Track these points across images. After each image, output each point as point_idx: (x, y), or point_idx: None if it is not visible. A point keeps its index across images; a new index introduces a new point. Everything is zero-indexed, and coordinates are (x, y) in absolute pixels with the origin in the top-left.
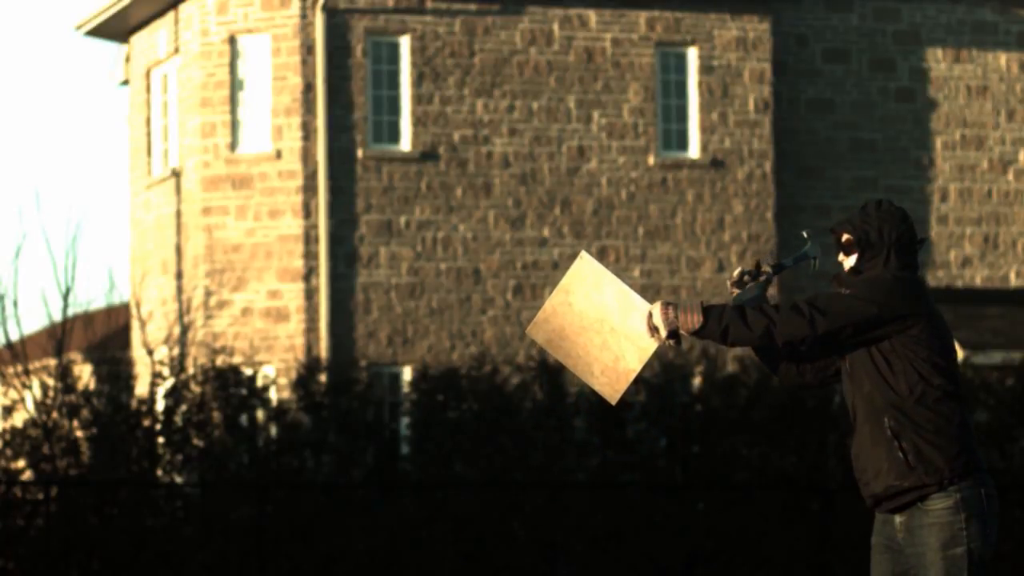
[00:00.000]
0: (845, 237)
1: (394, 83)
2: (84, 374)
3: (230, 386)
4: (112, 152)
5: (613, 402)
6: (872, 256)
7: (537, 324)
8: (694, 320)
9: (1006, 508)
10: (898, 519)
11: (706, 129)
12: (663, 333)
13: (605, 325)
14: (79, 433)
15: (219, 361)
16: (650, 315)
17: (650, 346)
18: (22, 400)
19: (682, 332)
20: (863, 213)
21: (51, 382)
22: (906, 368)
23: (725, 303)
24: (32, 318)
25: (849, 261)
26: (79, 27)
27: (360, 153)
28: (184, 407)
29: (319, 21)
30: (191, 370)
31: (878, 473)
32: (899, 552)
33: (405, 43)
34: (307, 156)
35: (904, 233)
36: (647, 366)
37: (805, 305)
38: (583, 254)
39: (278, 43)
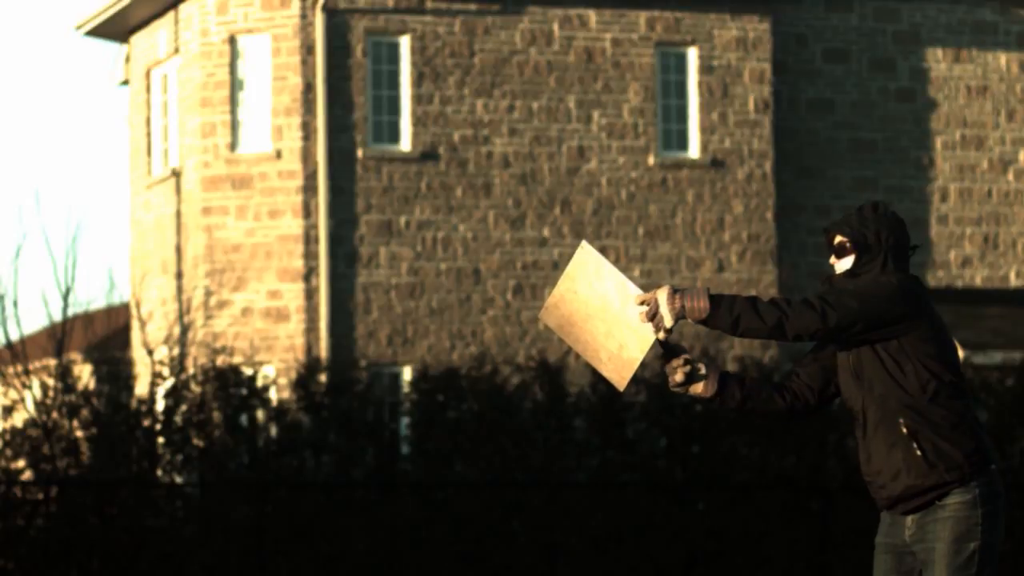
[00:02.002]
0: (840, 240)
1: (394, 83)
2: (84, 374)
3: (230, 386)
4: (112, 152)
5: (621, 388)
6: (870, 260)
7: (548, 309)
8: (701, 308)
9: (1007, 508)
10: (909, 517)
11: (706, 129)
12: (668, 323)
13: (608, 313)
14: (79, 433)
15: (219, 361)
16: (655, 302)
17: (651, 335)
18: (22, 400)
19: (689, 320)
20: (860, 216)
21: (51, 382)
22: (916, 367)
23: (735, 293)
24: (32, 318)
25: (843, 264)
26: (79, 27)
27: (360, 153)
28: (184, 407)
29: (319, 21)
30: (191, 370)
31: (896, 474)
32: (905, 551)
33: (405, 43)
34: (307, 156)
35: (900, 238)
36: (649, 364)
37: (817, 300)
38: (584, 244)
39: (278, 43)
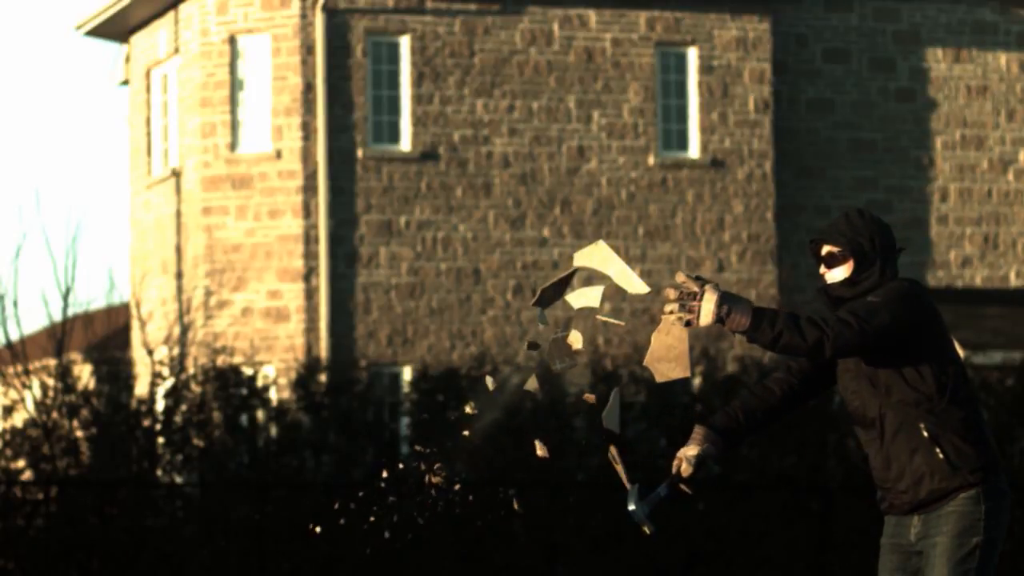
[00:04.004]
0: (831, 249)
1: (394, 83)
2: (84, 374)
3: (230, 386)
4: (112, 152)
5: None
6: (868, 266)
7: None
8: (743, 323)
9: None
10: (916, 517)
11: (706, 129)
12: (704, 321)
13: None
14: (79, 433)
15: (219, 361)
16: (700, 295)
17: (683, 345)
18: (22, 400)
19: (726, 330)
20: (849, 223)
21: (51, 382)
22: (934, 371)
23: (777, 308)
24: (32, 318)
25: (836, 274)
26: (79, 27)
27: (360, 153)
28: (184, 407)
29: (319, 21)
30: (191, 370)
31: (920, 479)
32: (911, 551)
33: (405, 43)
34: (307, 156)
35: (890, 241)
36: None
37: (850, 317)
38: (600, 242)
39: (278, 43)
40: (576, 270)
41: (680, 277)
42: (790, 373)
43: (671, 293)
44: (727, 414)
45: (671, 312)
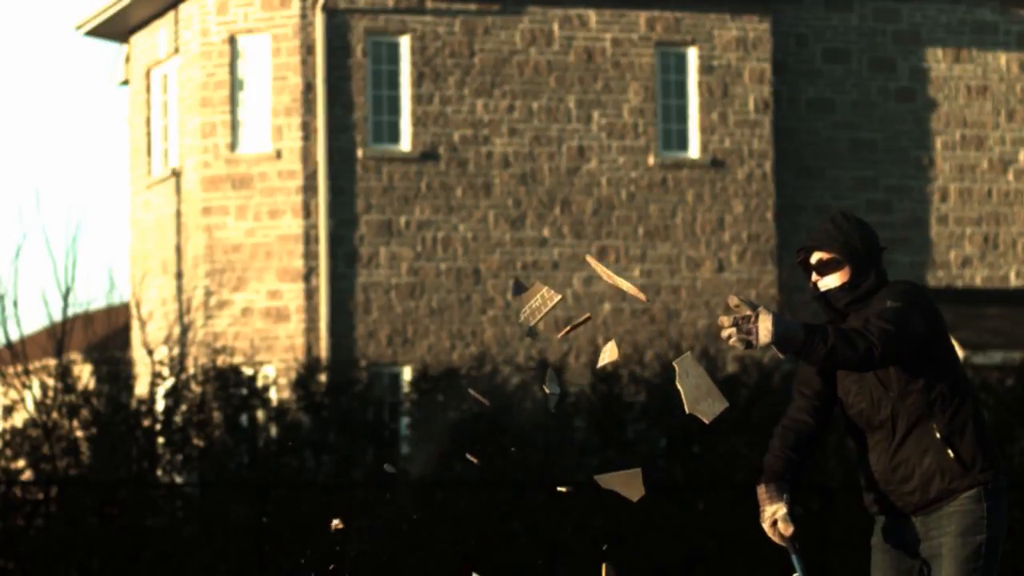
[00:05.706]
0: (823, 256)
1: (394, 83)
2: (84, 374)
3: (230, 386)
4: (112, 152)
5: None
6: (865, 268)
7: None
8: (797, 343)
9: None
10: (914, 519)
11: (706, 129)
12: (762, 341)
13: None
14: (79, 433)
15: (219, 361)
16: (755, 317)
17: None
18: (22, 400)
19: (780, 350)
20: (838, 227)
21: (51, 382)
22: (945, 371)
23: (824, 324)
24: (32, 318)
25: (830, 280)
26: (79, 27)
27: (360, 153)
28: (184, 407)
29: (319, 21)
30: (191, 370)
31: (930, 480)
32: (906, 552)
33: (405, 43)
34: (307, 156)
35: (877, 240)
36: (648, 364)
37: (885, 323)
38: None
39: (278, 43)
40: (560, 298)
41: (733, 301)
42: (806, 397)
43: (725, 320)
44: (776, 457)
45: (728, 337)
